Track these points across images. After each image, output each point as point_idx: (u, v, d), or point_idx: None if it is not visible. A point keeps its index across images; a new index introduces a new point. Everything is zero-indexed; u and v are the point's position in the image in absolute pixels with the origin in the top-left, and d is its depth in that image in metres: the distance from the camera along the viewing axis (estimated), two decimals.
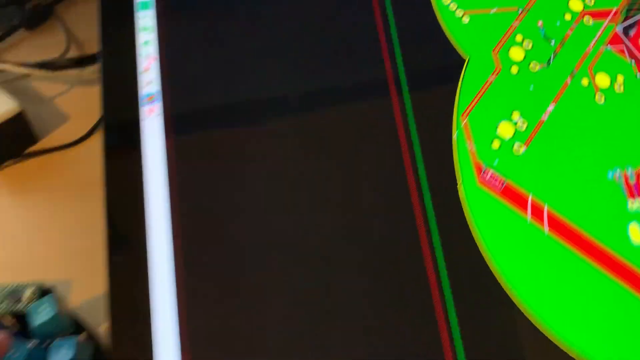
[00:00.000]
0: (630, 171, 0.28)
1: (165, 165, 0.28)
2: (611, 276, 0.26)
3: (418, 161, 0.28)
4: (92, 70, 0.44)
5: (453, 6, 0.32)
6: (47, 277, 0.32)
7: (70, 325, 0.30)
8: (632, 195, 0.28)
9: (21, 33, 0.47)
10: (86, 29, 0.47)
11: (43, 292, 0.32)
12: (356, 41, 0.31)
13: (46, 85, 0.43)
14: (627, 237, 0.27)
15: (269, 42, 0.30)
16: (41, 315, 0.29)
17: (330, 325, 0.25)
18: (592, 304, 0.25)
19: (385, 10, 0.31)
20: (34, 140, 0.39)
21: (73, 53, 0.45)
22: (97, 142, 0.40)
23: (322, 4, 0.31)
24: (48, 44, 0.46)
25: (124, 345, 0.25)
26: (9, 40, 0.46)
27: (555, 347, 0.25)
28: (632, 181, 0.28)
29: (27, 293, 0.31)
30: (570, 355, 0.24)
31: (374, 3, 0.31)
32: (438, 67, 0.30)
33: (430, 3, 0.32)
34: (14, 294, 0.31)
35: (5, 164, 0.39)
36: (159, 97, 0.29)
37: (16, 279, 0.32)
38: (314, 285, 0.26)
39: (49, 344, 0.29)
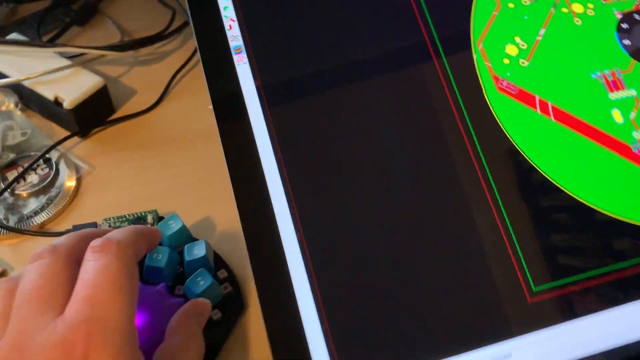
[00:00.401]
0: (606, 72, 0.37)
1: (260, 103, 0.35)
2: (602, 146, 0.35)
3: (452, 80, 0.36)
4: (147, 52, 0.51)
5: None
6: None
7: (190, 237, 0.37)
8: (611, 90, 0.37)
9: (74, 29, 0.53)
10: (129, 20, 0.54)
11: (159, 218, 0.39)
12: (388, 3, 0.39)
13: (109, 67, 0.50)
14: (612, 118, 0.36)
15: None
16: (170, 227, 0.36)
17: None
18: (589, 165, 0.34)
19: None
20: (113, 110, 0.46)
21: (124, 40, 0.52)
22: (163, 110, 0.48)
23: None
24: (99, 36, 0.53)
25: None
26: (65, 36, 0.53)
27: (565, 194, 0.33)
28: (610, 79, 0.37)
29: (149, 218, 0.38)
30: (574, 197, 0.33)
31: None
32: (455, 7, 0.39)
33: None
34: (139, 220, 0.38)
35: (94, 131, 0.45)
36: (244, 48, 0.36)
37: (129, 211, 0.39)
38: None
39: (181, 249, 0.36)
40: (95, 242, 0.26)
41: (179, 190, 0.42)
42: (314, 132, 0.35)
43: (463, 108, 0.36)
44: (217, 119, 0.35)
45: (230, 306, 0.35)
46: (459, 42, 0.38)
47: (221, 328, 0.34)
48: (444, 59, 0.37)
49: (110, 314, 0.24)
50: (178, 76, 0.50)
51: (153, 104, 0.47)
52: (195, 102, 0.48)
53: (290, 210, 0.33)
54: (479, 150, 0.35)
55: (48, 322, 0.24)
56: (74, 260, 0.26)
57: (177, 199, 0.41)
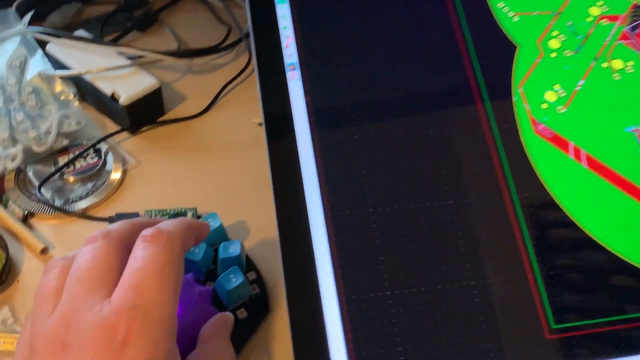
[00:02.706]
0: None
1: (307, 119, 0.37)
2: (632, 197, 0.36)
3: (492, 120, 0.38)
4: (201, 62, 0.53)
5: (506, 9, 0.42)
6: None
7: (225, 236, 0.39)
8: None
9: (134, 34, 0.56)
10: (186, 31, 0.57)
11: (198, 216, 0.40)
12: (438, 42, 0.41)
13: (164, 71, 0.53)
14: None
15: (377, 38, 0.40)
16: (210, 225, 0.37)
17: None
18: (618, 214, 0.36)
19: (459, 18, 0.42)
20: (163, 112, 0.49)
21: (180, 49, 0.55)
22: (210, 117, 0.50)
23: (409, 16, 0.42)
24: (157, 42, 0.56)
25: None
26: (125, 39, 0.56)
27: (590, 239, 0.35)
28: None
29: (189, 215, 0.40)
30: (600, 244, 0.34)
31: (451, 14, 0.42)
32: (499, 53, 0.41)
33: (489, 9, 0.42)
34: (178, 215, 0.40)
35: (144, 128, 0.48)
36: (298, 66, 0.39)
37: (167, 207, 0.41)
38: None
39: (215, 247, 0.37)
40: (146, 232, 0.27)
41: (218, 194, 0.44)
42: (355, 157, 0.37)
43: (500, 147, 0.37)
44: (266, 130, 0.37)
45: (255, 307, 0.36)
46: (501, 85, 0.40)
47: (245, 327, 0.35)
48: (487, 100, 0.39)
49: (153, 303, 0.25)
50: (227, 88, 0.52)
51: (201, 111, 0.50)
52: (240, 114, 0.50)
53: (325, 227, 0.34)
54: (512, 186, 0.36)
55: (95, 303, 0.25)
56: (125, 247, 0.27)
57: (216, 201, 0.43)
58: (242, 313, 0.36)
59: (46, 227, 0.41)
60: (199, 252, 0.36)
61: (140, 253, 0.27)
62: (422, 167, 0.37)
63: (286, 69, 0.39)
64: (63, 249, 0.40)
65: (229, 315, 0.32)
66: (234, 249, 0.36)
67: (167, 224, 0.28)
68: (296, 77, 0.39)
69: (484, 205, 0.36)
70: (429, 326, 0.32)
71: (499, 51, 0.41)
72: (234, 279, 0.35)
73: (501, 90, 0.40)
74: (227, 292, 0.35)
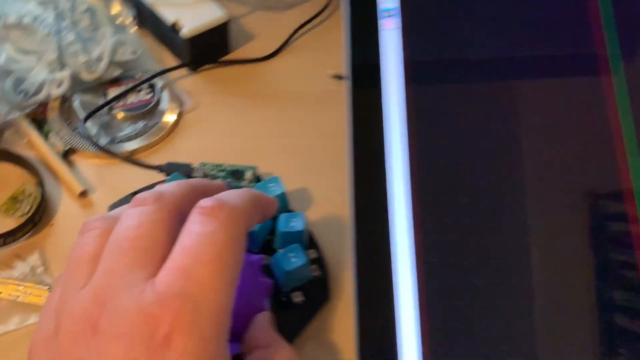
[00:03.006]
0: None
1: (402, 75, 0.31)
2: None
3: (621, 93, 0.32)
4: None
5: None
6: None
7: (287, 206, 0.34)
8: None
9: None
10: None
11: (257, 176, 0.36)
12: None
13: (234, 5, 0.47)
14: None
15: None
16: (270, 191, 0.32)
17: None
18: None
19: None
20: (227, 50, 0.43)
21: None
22: (279, 62, 0.44)
23: None
24: None
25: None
26: None
27: None
28: None
29: (248, 174, 0.35)
30: None
31: None
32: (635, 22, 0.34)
33: None
34: (236, 173, 0.35)
35: (205, 67, 0.43)
36: (398, 13, 0.33)
37: (223, 161, 0.36)
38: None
39: (276, 216, 0.32)
40: (205, 202, 0.22)
41: (281, 152, 0.39)
42: (455, 124, 0.31)
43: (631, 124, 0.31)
44: (350, 84, 0.31)
45: (314, 292, 0.32)
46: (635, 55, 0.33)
47: (300, 313, 0.31)
48: (618, 73, 0.32)
49: (206, 294, 0.20)
50: (301, 31, 0.46)
51: (270, 53, 0.44)
52: (314, 62, 0.44)
53: (409, 199, 0.29)
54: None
55: (136, 283, 0.20)
56: (178, 216, 0.23)
57: (278, 161, 0.38)
58: (298, 297, 0.31)
59: (88, 166, 0.37)
60: None
61: (196, 228, 0.22)
62: (528, 142, 0.31)
63: (379, 15, 0.33)
64: (104, 193, 0.36)
65: (269, 315, 0.28)
66: (296, 223, 0.31)
67: (231, 195, 0.23)
68: (392, 26, 0.33)
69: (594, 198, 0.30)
70: (511, 342, 0.27)
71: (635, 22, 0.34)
72: (295, 259, 0.30)
73: (634, 64, 0.33)
74: (285, 272, 0.30)
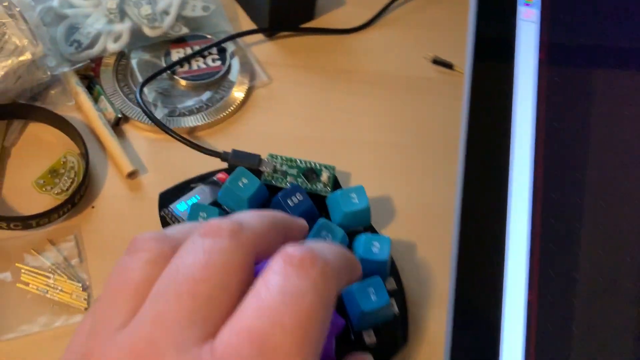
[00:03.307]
0: None
1: (536, 72, 0.25)
2: None
3: None
4: None
5: None
6: (327, 160, 0.31)
7: (368, 222, 0.28)
8: None
9: None
10: None
11: (335, 179, 0.30)
12: None
13: None
14: None
15: None
16: (352, 203, 0.27)
17: None
18: None
19: None
20: (312, 15, 0.37)
21: None
22: (370, 36, 0.38)
23: None
24: None
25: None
26: None
27: None
28: None
29: (324, 176, 0.29)
30: None
31: None
32: None
33: None
34: (311, 172, 0.30)
35: (284, 33, 0.37)
36: (538, 4, 0.26)
37: (296, 152, 0.31)
38: None
39: (349, 230, 0.27)
40: (294, 250, 0.17)
41: (361, 147, 0.33)
42: (595, 132, 0.25)
43: None
44: (471, 74, 0.25)
45: (389, 333, 0.26)
46: None
47: (376, 358, 0.26)
48: None
49: None
50: (399, 1, 0.39)
51: (360, 25, 0.37)
52: (410, 41, 0.37)
53: (530, 222, 0.23)
54: None
55: (189, 345, 0.15)
56: (254, 257, 0.18)
57: (356, 159, 0.32)
58: (371, 337, 0.26)
59: (139, 140, 0.32)
60: (332, 238, 0.26)
61: (279, 281, 0.16)
62: None
63: (518, 4, 0.27)
64: (155, 176, 0.30)
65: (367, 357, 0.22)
66: (381, 250, 0.26)
67: (323, 248, 0.18)
68: (532, 17, 0.26)
69: None
70: None
71: None
72: (375, 297, 0.25)
73: None
74: (361, 312, 0.25)
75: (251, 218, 0.18)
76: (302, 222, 0.21)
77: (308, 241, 0.18)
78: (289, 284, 0.16)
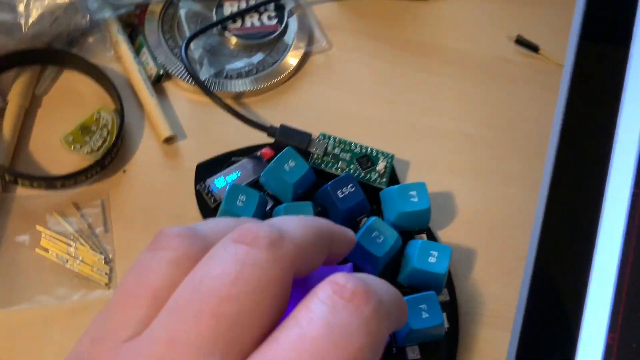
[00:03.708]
0: None
1: None
2: None
3: None
4: None
5: None
6: (386, 146, 0.27)
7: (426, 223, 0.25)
8: None
9: None
10: None
11: (392, 169, 0.27)
12: None
13: None
14: None
15: None
16: (410, 202, 0.24)
17: None
18: None
19: None
20: None
21: None
22: (450, 5, 0.34)
23: None
24: None
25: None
26: None
27: None
28: None
29: (380, 164, 0.26)
30: None
31: None
32: None
33: None
34: (367, 159, 0.26)
35: None
36: None
37: (351, 134, 0.28)
38: None
39: (404, 230, 0.24)
40: (345, 280, 0.14)
41: (426, 134, 0.29)
42: None
43: None
44: (576, 56, 0.21)
45: (435, 351, 0.24)
46: None
47: None
48: None
49: None
50: None
51: None
52: (492, 14, 0.33)
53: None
54: None
55: None
56: (294, 274, 0.15)
57: (418, 148, 0.28)
58: (415, 353, 0.23)
59: (180, 101, 0.29)
60: (384, 241, 0.23)
61: (324, 312, 0.13)
62: None
63: None
64: (194, 143, 0.28)
65: None
66: (439, 261, 0.23)
67: (377, 284, 0.15)
68: None
69: None
70: None
71: None
72: (426, 315, 0.22)
73: None
74: (409, 329, 0.22)
75: (294, 226, 0.15)
76: (351, 235, 0.18)
77: (360, 275, 0.15)
78: (337, 318, 0.13)
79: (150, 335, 0.14)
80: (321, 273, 0.18)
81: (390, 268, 0.24)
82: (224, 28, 0.30)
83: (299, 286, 0.17)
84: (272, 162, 0.24)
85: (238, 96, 0.29)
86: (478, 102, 0.30)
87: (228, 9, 0.30)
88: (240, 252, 0.14)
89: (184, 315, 0.14)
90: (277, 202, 0.25)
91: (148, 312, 0.14)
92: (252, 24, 0.30)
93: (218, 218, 0.16)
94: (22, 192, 0.26)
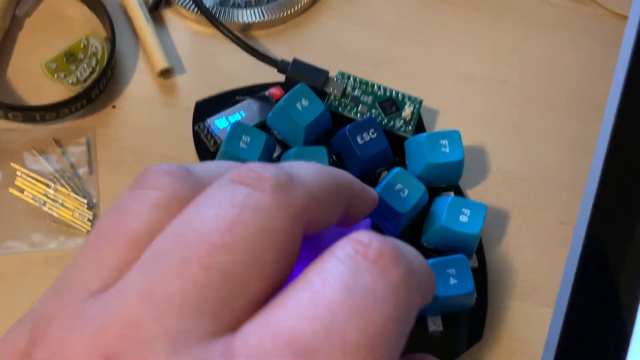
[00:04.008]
0: None
1: None
2: None
3: None
4: None
5: None
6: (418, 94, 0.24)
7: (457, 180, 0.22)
8: None
9: None
10: None
11: (420, 117, 0.24)
12: None
13: None
14: None
15: None
16: (441, 152, 0.21)
17: None
18: None
19: None
20: None
21: None
22: None
23: None
24: None
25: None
26: None
27: None
28: None
29: (406, 109, 0.23)
30: None
31: None
32: None
33: None
34: (391, 103, 0.23)
35: None
36: None
37: (374, 75, 0.24)
38: None
39: (432, 186, 0.21)
40: (369, 238, 0.11)
41: (458, 80, 0.26)
42: None
43: None
44: None
45: (461, 324, 0.21)
46: None
47: (435, 349, 0.20)
48: None
49: None
50: None
51: None
52: None
53: None
54: None
55: (191, 341, 0.10)
56: (305, 226, 0.12)
57: (449, 95, 0.25)
58: (437, 325, 0.20)
59: (180, 31, 0.25)
60: (409, 196, 0.20)
61: (344, 273, 0.10)
62: None
63: None
64: (193, 77, 0.24)
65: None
66: (472, 221, 0.20)
67: (408, 249, 0.12)
68: None
69: None
70: None
71: None
72: (455, 281, 0.19)
73: None
74: (434, 297, 0.19)
75: (307, 171, 0.12)
76: (373, 194, 0.15)
77: (389, 238, 0.12)
78: (359, 281, 0.11)
79: (121, 289, 0.11)
80: (336, 234, 0.15)
81: (410, 228, 0.21)
82: None
83: (309, 247, 0.14)
84: (282, 99, 0.21)
85: (246, 28, 0.26)
86: (517, 49, 0.27)
87: None
88: (240, 194, 0.11)
89: (164, 264, 0.11)
90: (286, 148, 0.22)
91: (122, 262, 0.11)
92: None
93: (217, 160, 0.13)
94: None
